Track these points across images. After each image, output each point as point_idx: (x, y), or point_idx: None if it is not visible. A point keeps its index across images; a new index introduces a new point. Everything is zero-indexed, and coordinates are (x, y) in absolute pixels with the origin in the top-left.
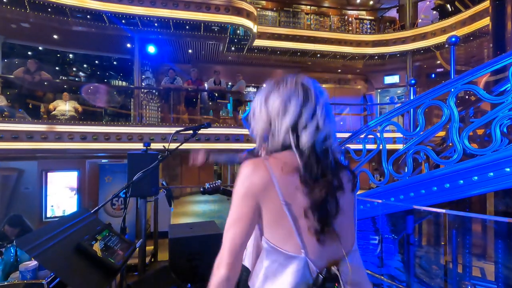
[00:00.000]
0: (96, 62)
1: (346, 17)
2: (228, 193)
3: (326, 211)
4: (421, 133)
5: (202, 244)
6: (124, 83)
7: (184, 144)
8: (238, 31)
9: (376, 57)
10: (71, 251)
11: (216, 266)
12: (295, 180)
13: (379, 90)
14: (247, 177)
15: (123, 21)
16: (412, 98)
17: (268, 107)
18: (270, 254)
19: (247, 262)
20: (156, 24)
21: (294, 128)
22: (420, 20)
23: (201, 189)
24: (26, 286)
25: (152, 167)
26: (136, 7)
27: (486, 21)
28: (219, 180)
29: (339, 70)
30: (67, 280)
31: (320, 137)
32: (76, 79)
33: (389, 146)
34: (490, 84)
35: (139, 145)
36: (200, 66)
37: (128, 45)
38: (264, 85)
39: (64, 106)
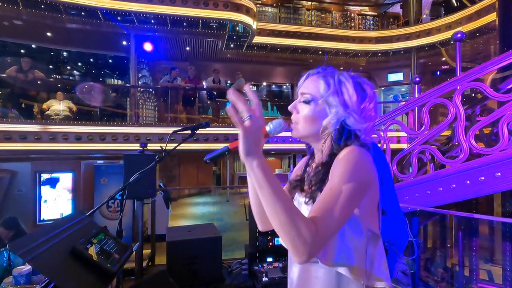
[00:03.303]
0: (91, 60)
1: (348, 13)
2: None
3: None
4: (426, 132)
5: (201, 248)
6: (120, 82)
7: (182, 145)
8: (237, 28)
9: (380, 54)
10: (65, 255)
11: (309, 240)
12: None
13: (382, 88)
14: (370, 165)
15: (118, 18)
16: (416, 96)
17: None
18: (373, 241)
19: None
20: (152, 21)
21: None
22: (424, 16)
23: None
24: None
25: (149, 168)
26: (132, 3)
27: (492, 17)
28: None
29: (341, 68)
30: (61, 285)
31: None
32: (71, 77)
33: (393, 146)
34: (497, 81)
35: (136, 146)
36: (198, 64)
37: (124, 43)
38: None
39: (58, 106)
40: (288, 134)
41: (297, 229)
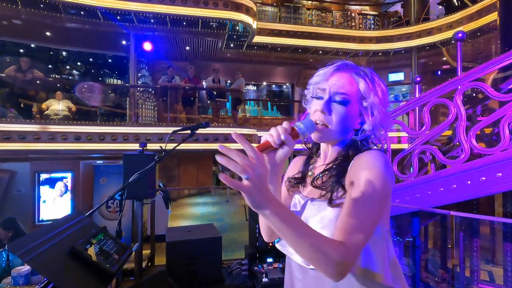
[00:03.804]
0: (90, 59)
1: (348, 12)
2: None
3: None
4: (427, 132)
5: (201, 248)
6: (119, 82)
7: (182, 145)
8: (237, 27)
9: (380, 53)
10: (65, 256)
11: (343, 252)
12: None
13: None
14: (391, 170)
15: (118, 17)
16: (417, 96)
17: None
18: (389, 241)
19: None
20: (152, 21)
21: None
22: (432, 16)
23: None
24: None
25: (148, 168)
26: (132, 2)
27: (493, 16)
28: None
29: None
30: (61, 285)
31: None
32: (70, 77)
33: (393, 146)
34: (498, 81)
35: (135, 146)
36: (198, 63)
37: (124, 42)
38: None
39: (57, 106)
40: None
41: (326, 257)
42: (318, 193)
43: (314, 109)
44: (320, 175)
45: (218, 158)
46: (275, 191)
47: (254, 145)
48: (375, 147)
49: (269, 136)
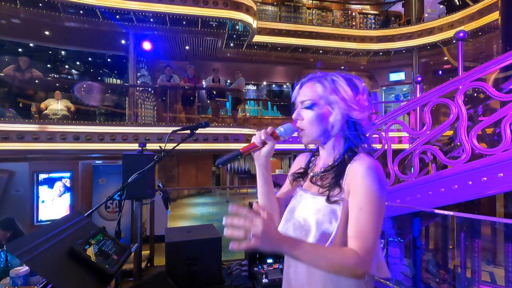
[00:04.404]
0: (90, 59)
1: (349, 11)
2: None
3: None
4: (428, 132)
5: (201, 249)
6: (118, 81)
7: (181, 145)
8: (237, 27)
9: (381, 53)
10: (63, 256)
11: (360, 261)
12: None
13: (384, 88)
14: (384, 174)
15: (117, 16)
16: (418, 95)
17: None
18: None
19: None
20: (151, 20)
21: None
22: (426, 15)
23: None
24: None
25: (148, 168)
26: (131, 1)
27: (495, 16)
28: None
29: (342, 67)
30: (59, 286)
31: None
32: (69, 77)
33: (394, 146)
34: (499, 81)
35: (135, 146)
36: (198, 63)
37: (123, 42)
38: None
39: (56, 105)
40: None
41: (344, 267)
42: (315, 188)
43: (293, 117)
44: (318, 174)
45: (225, 233)
46: (267, 172)
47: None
48: (362, 153)
49: (254, 138)
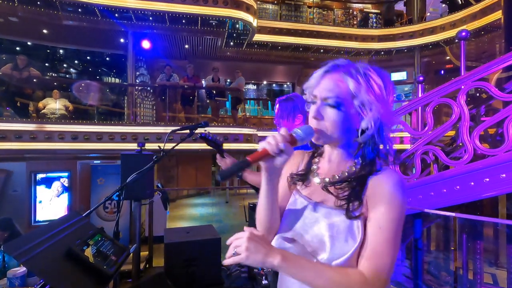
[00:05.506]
0: (88, 58)
1: (350, 10)
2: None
3: None
4: (430, 132)
5: (200, 250)
6: (117, 80)
7: (181, 144)
8: (237, 26)
9: (382, 52)
10: (61, 257)
11: (376, 280)
12: None
13: None
14: (406, 196)
15: (116, 14)
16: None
17: None
18: None
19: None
20: (150, 18)
21: None
22: (428, 14)
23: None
24: None
25: (146, 168)
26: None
27: (498, 15)
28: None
29: None
30: (57, 287)
31: None
32: (67, 76)
33: (396, 146)
34: (502, 81)
35: (133, 145)
36: (197, 62)
37: (122, 40)
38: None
39: (54, 104)
40: None
41: None
42: (328, 199)
43: (311, 115)
44: (337, 183)
45: (226, 262)
46: (273, 189)
47: (254, 145)
48: (384, 165)
49: (267, 144)
